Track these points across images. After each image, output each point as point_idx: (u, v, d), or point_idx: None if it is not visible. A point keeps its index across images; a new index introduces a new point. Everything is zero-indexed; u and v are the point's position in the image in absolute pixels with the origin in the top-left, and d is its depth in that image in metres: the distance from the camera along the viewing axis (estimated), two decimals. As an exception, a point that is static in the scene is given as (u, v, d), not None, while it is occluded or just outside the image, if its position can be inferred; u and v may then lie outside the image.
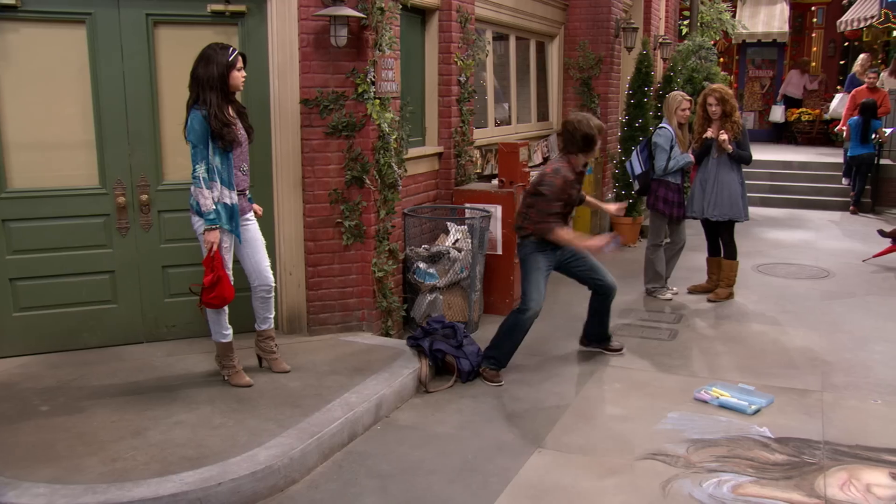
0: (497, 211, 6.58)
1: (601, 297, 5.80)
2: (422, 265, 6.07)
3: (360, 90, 5.46)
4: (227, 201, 4.65)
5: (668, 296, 7.45)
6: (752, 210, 12.52)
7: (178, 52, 5.35)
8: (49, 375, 4.98)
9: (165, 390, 4.76)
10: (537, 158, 8.95)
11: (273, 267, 5.64)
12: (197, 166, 4.54)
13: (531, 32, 9.19)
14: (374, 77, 5.47)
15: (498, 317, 6.59)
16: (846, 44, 20.20)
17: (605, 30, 9.73)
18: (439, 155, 6.89)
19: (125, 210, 5.37)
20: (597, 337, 5.94)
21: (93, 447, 4.04)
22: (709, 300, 7.38)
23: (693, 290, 7.65)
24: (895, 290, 7.91)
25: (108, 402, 4.58)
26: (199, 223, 4.65)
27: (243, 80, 4.69)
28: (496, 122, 8.57)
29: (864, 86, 13.23)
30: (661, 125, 7.39)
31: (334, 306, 5.76)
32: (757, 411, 4.87)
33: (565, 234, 5.35)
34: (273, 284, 5.01)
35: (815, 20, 21.15)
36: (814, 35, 21.28)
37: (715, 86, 7.53)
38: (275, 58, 5.42)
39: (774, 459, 4.29)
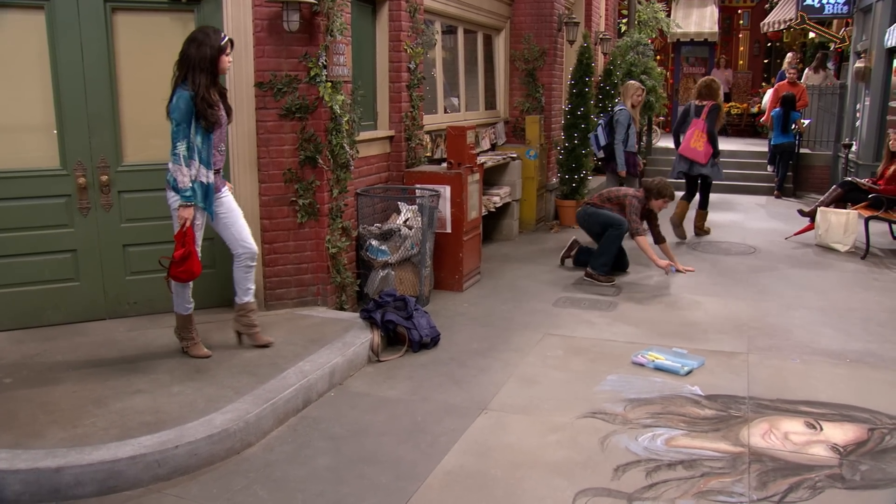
0: (446, 191, 6.51)
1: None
2: (374, 242, 5.99)
3: (312, 74, 5.34)
4: (204, 180, 4.50)
5: None
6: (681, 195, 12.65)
7: (136, 37, 5.22)
8: (13, 351, 4.80)
9: (127, 362, 4.62)
10: (485, 144, 8.90)
11: (230, 244, 5.55)
12: (178, 143, 4.38)
13: (479, 25, 9.13)
14: (325, 61, 5.36)
15: (448, 292, 6.58)
16: (769, 44, 20.53)
17: (549, 24, 9.69)
18: (391, 138, 6.80)
19: (86, 191, 5.19)
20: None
21: (54, 415, 3.90)
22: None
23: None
24: (813, 264, 8.03)
25: (70, 375, 4.43)
26: (174, 198, 4.49)
27: (230, 63, 4.60)
28: (446, 110, 8.50)
29: (786, 80, 13.43)
30: (620, 107, 8.89)
31: (290, 282, 5.65)
32: (689, 372, 4.89)
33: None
34: (256, 251, 4.83)
35: (741, 22, 21.46)
36: (741, 36, 21.60)
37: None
38: (230, 43, 5.28)
39: (704, 414, 4.31)
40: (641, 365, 5.01)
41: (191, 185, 4.42)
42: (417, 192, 6.45)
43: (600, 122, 9.11)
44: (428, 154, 7.47)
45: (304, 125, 5.43)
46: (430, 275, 6.33)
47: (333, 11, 5.37)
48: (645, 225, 7.33)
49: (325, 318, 5.46)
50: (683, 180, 9.48)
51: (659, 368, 4.94)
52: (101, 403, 4.04)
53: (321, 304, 5.71)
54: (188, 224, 4.47)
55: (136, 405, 4.03)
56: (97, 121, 5.14)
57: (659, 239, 7.52)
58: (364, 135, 6.28)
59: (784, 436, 4.06)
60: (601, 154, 9.05)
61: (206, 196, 4.55)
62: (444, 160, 6.97)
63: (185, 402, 4.08)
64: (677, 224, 9.19)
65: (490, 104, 9.68)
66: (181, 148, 4.39)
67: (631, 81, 9.13)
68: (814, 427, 4.18)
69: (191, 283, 4.72)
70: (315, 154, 5.46)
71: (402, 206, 6.29)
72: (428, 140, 7.51)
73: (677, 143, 9.38)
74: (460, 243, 6.58)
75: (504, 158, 8.62)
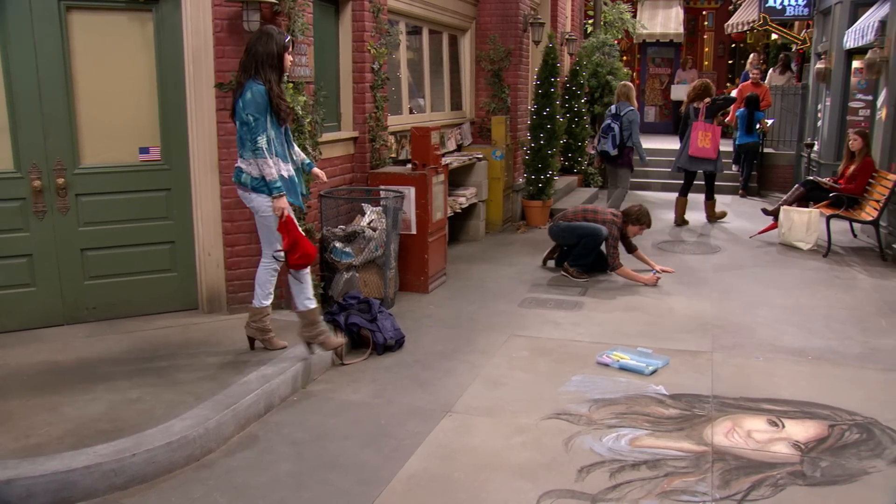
0: (410, 192, 6.48)
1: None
2: (338, 244, 5.93)
3: (273, 74, 5.28)
4: (285, 173, 4.54)
5: None
6: (652, 195, 12.84)
7: (93, 37, 5.13)
8: (-35, 358, 4.69)
9: (84, 369, 4.53)
10: (451, 145, 8.88)
11: (191, 247, 5.48)
12: (258, 138, 4.36)
13: (444, 26, 9.11)
14: (287, 61, 5.30)
15: (413, 294, 6.55)
16: (733, 45, 20.74)
17: (514, 24, 9.70)
18: (354, 139, 6.74)
19: (41, 194, 5.09)
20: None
21: (6, 425, 3.80)
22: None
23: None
24: (776, 262, 8.12)
25: (25, 382, 4.33)
26: (256, 199, 4.49)
27: (291, 62, 4.65)
28: (411, 110, 8.47)
29: (749, 81, 13.58)
30: (629, 108, 9.51)
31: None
32: (654, 372, 4.90)
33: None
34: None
35: (706, 23, 21.64)
36: (705, 37, 21.78)
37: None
38: (189, 43, 5.21)
39: (668, 414, 4.32)
40: (606, 365, 5.01)
41: (278, 175, 4.42)
42: (382, 194, 6.41)
43: (613, 122, 9.51)
44: (393, 155, 7.43)
45: (265, 126, 5.36)
46: (395, 277, 6.29)
47: (294, 11, 5.31)
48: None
49: (289, 321, 5.38)
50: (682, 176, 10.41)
51: (624, 368, 4.95)
52: (57, 412, 3.95)
53: (284, 307, 5.63)
54: (286, 213, 4.47)
55: (92, 413, 3.95)
56: (52, 122, 5.04)
57: (631, 248, 7.51)
58: (327, 136, 6.22)
59: (747, 434, 4.09)
60: (614, 152, 9.50)
61: (290, 189, 4.55)
62: (409, 161, 6.93)
63: (143, 408, 4.00)
64: (680, 222, 10.22)
65: (456, 105, 9.67)
66: (262, 141, 4.37)
67: (628, 83, 9.93)
68: (776, 425, 4.21)
69: (309, 275, 4.75)
70: (277, 155, 5.39)
71: (367, 208, 6.24)
72: (393, 141, 7.48)
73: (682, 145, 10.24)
74: (425, 244, 6.55)
75: (470, 159, 8.61)
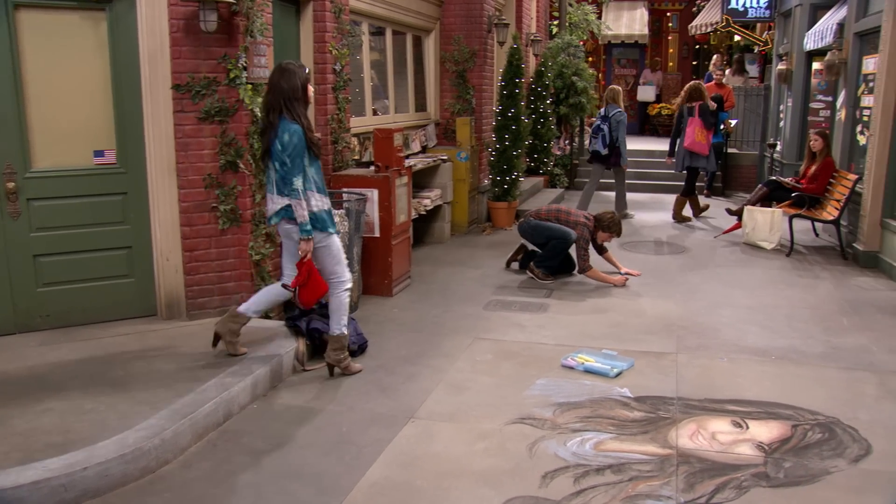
0: (374, 195, 6.40)
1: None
2: (301, 248, 5.84)
3: (231, 76, 5.18)
4: (326, 207, 4.64)
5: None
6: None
7: (43, 37, 4.99)
8: (-90, 369, 4.53)
9: (36, 379, 4.40)
10: (415, 147, 8.81)
11: (149, 252, 5.36)
12: (295, 179, 4.43)
13: (407, 26, 9.04)
14: (245, 63, 5.22)
15: (377, 297, 6.47)
16: (697, 46, 20.92)
17: (479, 25, 9.67)
18: (317, 142, 6.65)
19: (-9, 198, 4.94)
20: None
21: (-48, 439, 3.67)
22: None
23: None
24: (740, 262, 8.17)
25: (-28, 394, 4.19)
26: (295, 229, 4.55)
27: (312, 92, 4.69)
28: (375, 112, 8.39)
29: (713, 82, 13.68)
30: (617, 109, 10.28)
31: (213, 290, 5.47)
32: (619, 374, 4.88)
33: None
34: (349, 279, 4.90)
35: (670, 24, 21.82)
36: (670, 38, 21.96)
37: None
38: (145, 43, 5.09)
39: (633, 417, 4.30)
40: (571, 368, 4.98)
41: (308, 219, 4.50)
42: (344, 196, 6.33)
43: (602, 124, 10.26)
44: (356, 157, 7.36)
45: (224, 129, 5.26)
46: (358, 280, 6.21)
47: (253, 11, 5.22)
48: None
49: (248, 327, 5.26)
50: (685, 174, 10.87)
51: (588, 371, 4.92)
52: (5, 424, 3.82)
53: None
54: (308, 257, 4.56)
55: (43, 425, 3.82)
56: (1, 124, 4.88)
57: (601, 249, 7.50)
58: (289, 138, 6.12)
59: (711, 436, 4.08)
60: (605, 152, 10.25)
61: (330, 220, 4.67)
62: (372, 163, 6.85)
63: (96, 420, 3.89)
64: (678, 219, 10.66)
65: (420, 106, 9.61)
66: (297, 183, 4.44)
67: (616, 87, 10.66)
68: (740, 426, 4.20)
69: (345, 303, 4.84)
70: (236, 158, 5.30)
71: (330, 211, 6.15)
72: (356, 143, 7.40)
73: (673, 144, 10.93)
74: (389, 247, 6.48)
75: (434, 161, 8.55)
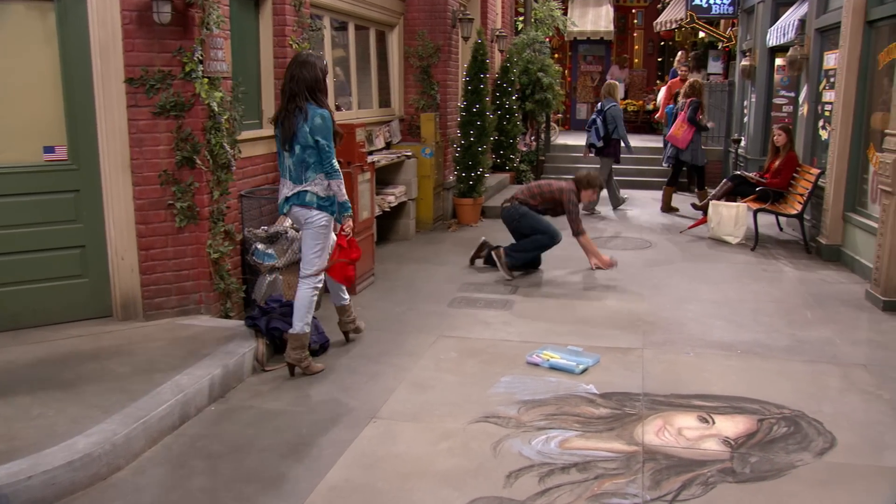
0: (336, 191, 6.28)
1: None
2: (260, 246, 5.72)
3: (187, 69, 5.04)
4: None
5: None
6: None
7: (-12, 27, 4.80)
8: None
9: (-18, 384, 4.24)
10: (379, 143, 8.70)
11: (103, 252, 5.21)
12: (334, 161, 4.63)
13: (371, 21, 8.93)
14: (202, 56, 5.07)
15: (340, 295, 6.35)
16: (662, 43, 21.05)
17: (443, 20, 9.58)
18: (277, 137, 6.53)
19: (-66, 197, 4.76)
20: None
21: None
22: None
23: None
24: (705, 257, 8.19)
25: (-86, 400, 4.02)
26: (317, 215, 4.68)
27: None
28: (339, 108, 8.26)
29: (678, 77, 13.74)
30: (612, 103, 10.78)
31: (170, 290, 5.33)
32: (584, 370, 4.83)
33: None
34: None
35: (635, 21, 21.93)
36: (635, 35, 22.07)
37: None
38: (96, 35, 4.92)
39: (599, 413, 4.25)
40: (536, 365, 4.92)
41: (326, 198, 4.69)
42: (306, 193, 6.20)
43: (597, 117, 10.83)
44: (318, 153, 7.22)
45: (180, 124, 5.12)
46: (321, 278, 6.10)
47: (209, 3, 5.07)
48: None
49: (207, 328, 5.18)
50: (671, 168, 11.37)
51: (554, 368, 4.86)
52: (-52, 431, 3.67)
53: (204, 313, 5.41)
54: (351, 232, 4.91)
55: (-12, 432, 3.67)
56: (-55, 120, 4.72)
57: (579, 232, 7.32)
58: (248, 134, 5.99)
59: (677, 432, 4.04)
60: (600, 144, 10.78)
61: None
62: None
63: (44, 425, 3.74)
64: (667, 209, 11.09)
65: (384, 102, 9.50)
66: (336, 163, 4.66)
67: (613, 82, 11.31)
68: (706, 421, 4.17)
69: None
70: (192, 154, 5.16)
71: (291, 208, 6.03)
72: (318, 139, 7.26)
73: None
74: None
75: (399, 157, 8.45)
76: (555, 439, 3.92)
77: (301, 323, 4.74)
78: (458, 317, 5.93)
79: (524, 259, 7.21)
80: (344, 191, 4.69)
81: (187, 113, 5.12)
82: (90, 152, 5.08)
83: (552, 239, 7.17)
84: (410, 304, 6.23)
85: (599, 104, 11.06)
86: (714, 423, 4.15)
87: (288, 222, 5.90)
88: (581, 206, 7.42)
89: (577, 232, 7.16)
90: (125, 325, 5.20)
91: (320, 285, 4.85)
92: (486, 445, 3.85)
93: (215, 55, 5.18)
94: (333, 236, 4.92)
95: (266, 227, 5.86)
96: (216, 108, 5.13)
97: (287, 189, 4.70)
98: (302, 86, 4.59)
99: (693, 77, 14.82)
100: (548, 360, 4.94)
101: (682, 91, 11.14)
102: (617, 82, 11.31)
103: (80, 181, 5.13)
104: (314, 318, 5.25)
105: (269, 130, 6.40)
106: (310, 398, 4.44)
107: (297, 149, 4.60)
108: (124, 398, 4.02)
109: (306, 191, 4.64)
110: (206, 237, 5.30)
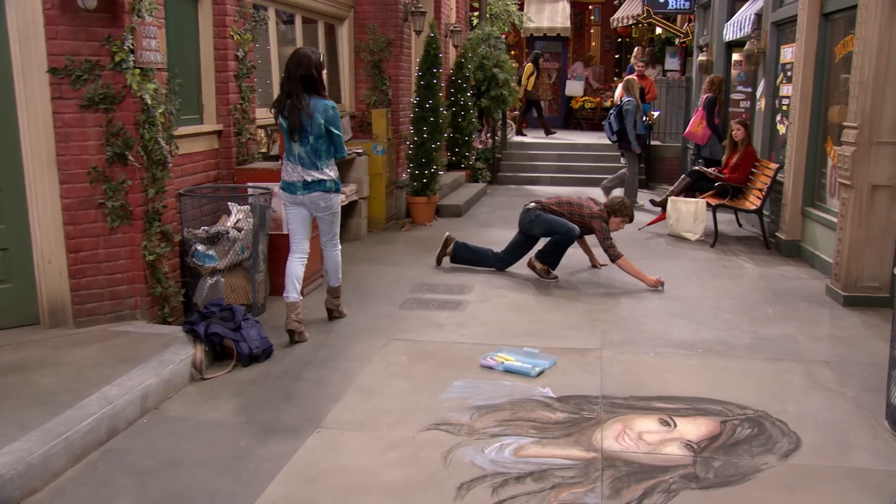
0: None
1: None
2: (200, 247, 5.46)
3: (117, 59, 4.77)
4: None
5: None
6: (542, 189, 12.78)
7: None
8: None
9: None
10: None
11: (28, 254, 4.92)
12: (345, 147, 5.27)
13: (319, 14, 8.69)
14: (133, 45, 4.80)
15: (286, 297, 6.12)
16: (619, 39, 21.10)
17: (394, 13, 9.38)
18: (219, 133, 6.26)
19: None
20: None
21: None
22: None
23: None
24: (665, 253, 8.11)
25: None
26: (335, 198, 5.27)
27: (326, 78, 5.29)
28: (285, 104, 8.01)
29: (635, 73, 13.70)
30: (628, 98, 10.79)
31: (103, 295, 5.04)
32: (541, 373, 4.67)
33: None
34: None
35: (592, 17, 21.95)
36: (592, 31, 22.09)
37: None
38: (14, 21, 4.61)
39: (556, 418, 4.08)
40: (490, 368, 4.75)
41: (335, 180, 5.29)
42: (249, 191, 5.97)
43: (612, 112, 11.01)
44: (263, 150, 6.99)
45: (110, 118, 4.85)
46: (264, 280, 5.86)
47: (141, -11, 4.82)
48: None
49: (143, 334, 4.91)
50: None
51: (509, 371, 4.69)
52: None
53: (140, 318, 5.14)
54: None
55: None
56: None
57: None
58: (186, 129, 5.74)
59: (638, 436, 3.89)
60: (614, 139, 11.00)
61: None
62: (279, 156, 6.49)
63: (-46, 444, 3.46)
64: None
65: (334, 98, 9.20)
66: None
67: (632, 77, 11.40)
68: (668, 424, 4.03)
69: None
70: (125, 150, 4.89)
71: (233, 207, 5.78)
72: (263, 135, 7.03)
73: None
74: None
75: (349, 154, 8.21)
76: (509, 447, 3.75)
77: (337, 278, 5.59)
78: (410, 319, 5.73)
79: (556, 260, 6.96)
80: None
81: (118, 106, 4.85)
82: (11, 147, 4.77)
83: (569, 237, 6.86)
84: (360, 305, 6.02)
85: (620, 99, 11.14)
86: (676, 425, 4.01)
87: (229, 222, 5.66)
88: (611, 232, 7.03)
89: (616, 256, 6.74)
90: (53, 333, 4.91)
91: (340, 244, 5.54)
92: (436, 455, 3.66)
93: (148, 45, 4.92)
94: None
95: (207, 228, 5.61)
96: (149, 101, 4.87)
97: (304, 175, 5.13)
98: (298, 83, 4.98)
99: (649, 73, 14.89)
100: (502, 362, 4.76)
101: (706, 86, 10.71)
102: (633, 78, 11.27)
103: (1, 179, 4.82)
104: (257, 322, 5.04)
105: (209, 126, 6.19)
106: (251, 408, 4.20)
107: (311, 139, 5.04)
108: (45, 413, 3.75)
109: (325, 179, 5.14)
110: (141, 238, 5.03)
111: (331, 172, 5.20)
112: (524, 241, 7.15)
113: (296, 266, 5.29)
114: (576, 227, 6.88)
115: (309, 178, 5.13)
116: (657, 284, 6.65)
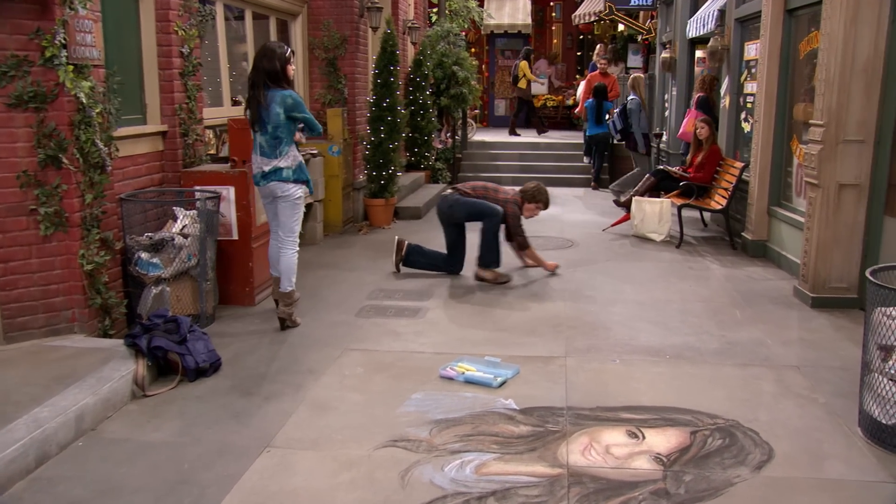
0: (230, 193, 5.85)
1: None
2: (144, 255, 5.24)
3: (48, 54, 4.52)
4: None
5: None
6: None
7: None
8: None
9: None
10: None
11: (-47, 265, 4.65)
12: (317, 124, 5.53)
13: (270, 9, 8.48)
14: (65, 39, 4.57)
15: (238, 307, 5.94)
16: (581, 36, 21.11)
17: (350, 9, 9.21)
18: (163, 134, 6.04)
19: None
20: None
21: None
22: None
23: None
24: (630, 255, 8.04)
25: None
26: (293, 188, 5.38)
27: (293, 72, 5.54)
28: (235, 102, 7.81)
29: (597, 71, 13.69)
30: (632, 96, 11.23)
31: (36, 307, 4.80)
32: (503, 383, 4.53)
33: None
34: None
35: (553, 14, 21.95)
36: (553, 28, 22.09)
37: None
38: (-66, 15, 4.38)
39: (519, 432, 3.94)
40: (451, 379, 4.60)
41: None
42: (196, 195, 5.75)
43: (616, 110, 11.33)
44: (212, 152, 6.77)
45: (41, 117, 4.60)
46: (213, 289, 5.65)
47: (72, -22, 4.59)
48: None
49: (80, 349, 4.67)
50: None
51: (470, 381, 4.54)
52: None
53: (78, 332, 4.90)
54: None
55: None
56: None
57: (523, 245, 7.14)
58: (128, 130, 5.52)
59: (605, 450, 3.77)
60: (619, 137, 11.40)
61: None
62: (229, 158, 6.28)
63: None
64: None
65: (288, 96, 9.04)
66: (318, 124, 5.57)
67: (639, 76, 11.62)
68: (636, 436, 3.91)
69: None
70: (58, 153, 4.65)
71: (179, 212, 5.57)
72: (211, 136, 6.81)
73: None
74: (249, 251, 5.95)
75: (303, 155, 8.01)
76: (470, 464, 3.60)
77: (290, 282, 5.48)
78: (367, 327, 5.57)
79: (495, 257, 6.83)
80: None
81: (50, 105, 4.61)
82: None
83: (494, 217, 6.77)
84: (314, 314, 5.83)
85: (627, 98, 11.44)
86: (644, 437, 3.90)
87: (175, 228, 5.45)
88: (523, 218, 7.06)
89: (523, 245, 6.90)
90: (-20, 351, 4.66)
91: (298, 247, 5.55)
92: (393, 474, 3.50)
93: (83, 39, 4.69)
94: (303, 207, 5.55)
95: (151, 234, 5.39)
96: (85, 100, 4.64)
97: (263, 165, 5.33)
98: (262, 75, 5.24)
99: (611, 70, 14.90)
100: (463, 373, 4.62)
101: (699, 85, 10.49)
102: (639, 76, 11.51)
103: (-77, 184, 4.57)
104: (204, 334, 4.84)
105: (153, 126, 5.98)
106: (196, 427, 4.00)
107: (270, 128, 5.25)
108: (-32, 438, 3.52)
109: (281, 167, 5.30)
110: (79, 246, 4.79)
111: (289, 161, 5.33)
112: (456, 234, 7.03)
113: (273, 251, 5.63)
114: (498, 206, 6.81)
115: (266, 168, 5.30)
116: (555, 267, 7.09)
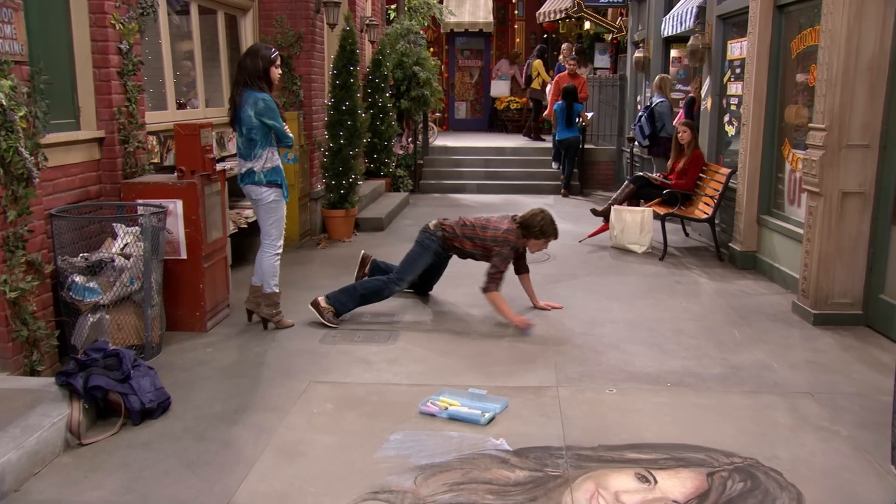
0: (177, 207, 5.44)
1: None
2: (79, 279, 4.81)
3: (-37, 50, 4.11)
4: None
5: None
6: (468, 197, 12.42)
7: None
8: None
9: None
10: (232, 147, 7.84)
11: None
12: (289, 134, 5.57)
13: (218, 4, 8.07)
14: (-19, 33, 4.15)
15: (187, 334, 5.53)
16: (545, 35, 20.95)
17: (305, 4, 8.83)
18: (100, 141, 5.60)
19: None
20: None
21: None
22: None
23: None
24: (612, 269, 7.79)
25: None
26: (266, 191, 5.50)
27: (279, 74, 5.62)
28: (181, 106, 7.38)
29: (566, 72, 13.49)
30: (660, 98, 10.41)
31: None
32: (491, 419, 4.20)
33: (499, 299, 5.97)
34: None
35: (516, 12, 21.78)
36: (516, 26, 21.92)
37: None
38: None
39: (515, 478, 3.61)
40: (432, 415, 4.25)
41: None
42: (139, 210, 5.34)
43: (644, 113, 10.53)
44: (155, 160, 6.33)
45: (-46, 123, 4.18)
46: (159, 315, 5.23)
47: (-9, -36, 4.17)
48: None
49: (2, 391, 4.22)
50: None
51: (454, 418, 4.20)
52: None
53: (1, 370, 4.45)
54: None
55: None
56: None
57: (522, 269, 6.46)
58: (58, 136, 5.06)
59: (614, 497, 3.45)
60: (646, 143, 10.61)
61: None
62: (175, 167, 5.87)
63: None
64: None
65: (238, 99, 8.63)
66: (290, 134, 5.62)
67: (665, 76, 10.81)
68: (647, 480, 3.61)
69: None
70: (-25, 163, 4.22)
71: (119, 229, 5.15)
72: (155, 143, 6.38)
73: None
74: (200, 271, 5.54)
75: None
76: (464, 520, 3.26)
77: (271, 285, 5.66)
78: (333, 355, 5.19)
79: (349, 306, 5.98)
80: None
81: (-34, 108, 4.18)
82: None
83: (388, 287, 6.04)
84: (274, 341, 5.45)
85: (650, 100, 10.74)
86: (656, 481, 3.60)
87: (115, 247, 5.03)
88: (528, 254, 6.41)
89: (487, 289, 5.89)
90: None
91: (280, 250, 5.70)
92: (376, 536, 3.15)
93: (3, 31, 4.27)
94: (284, 208, 5.68)
95: (87, 255, 4.96)
96: (6, 102, 4.20)
97: (241, 167, 5.52)
98: (244, 74, 5.40)
99: (580, 71, 14.72)
100: (446, 408, 4.28)
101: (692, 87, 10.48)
102: (667, 76, 10.85)
103: None
104: (150, 368, 4.43)
105: (88, 132, 5.55)
106: (143, 480, 3.59)
107: (244, 129, 5.39)
108: None
109: (254, 170, 5.43)
110: (0, 270, 4.36)
111: (262, 163, 5.44)
112: (439, 262, 6.51)
113: (265, 261, 5.68)
114: (397, 284, 6.06)
115: (243, 170, 5.51)
116: (525, 325, 5.77)
